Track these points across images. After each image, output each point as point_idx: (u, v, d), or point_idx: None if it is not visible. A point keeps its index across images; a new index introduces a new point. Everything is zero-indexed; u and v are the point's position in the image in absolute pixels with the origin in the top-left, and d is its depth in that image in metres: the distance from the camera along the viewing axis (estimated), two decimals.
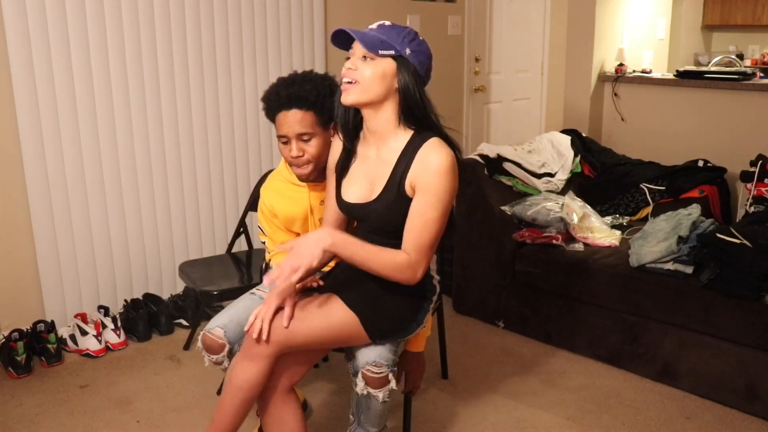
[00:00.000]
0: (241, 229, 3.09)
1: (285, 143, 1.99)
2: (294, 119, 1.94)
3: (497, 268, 3.16)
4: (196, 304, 3.24)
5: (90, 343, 2.95)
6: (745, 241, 2.48)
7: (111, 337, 3.01)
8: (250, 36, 3.47)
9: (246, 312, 2.05)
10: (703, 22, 6.33)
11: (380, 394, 1.86)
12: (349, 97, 1.75)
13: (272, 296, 1.81)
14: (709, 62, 4.92)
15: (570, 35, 4.42)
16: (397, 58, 1.73)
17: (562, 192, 3.41)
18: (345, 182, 1.90)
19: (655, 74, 4.44)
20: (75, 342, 2.97)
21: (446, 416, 2.52)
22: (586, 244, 3.01)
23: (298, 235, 2.20)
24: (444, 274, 2.31)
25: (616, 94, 4.33)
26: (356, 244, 1.76)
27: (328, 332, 1.81)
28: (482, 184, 3.19)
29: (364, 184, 1.85)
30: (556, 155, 3.56)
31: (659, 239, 2.74)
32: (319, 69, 3.78)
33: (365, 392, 1.87)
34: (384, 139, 1.82)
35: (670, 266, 2.66)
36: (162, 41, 3.16)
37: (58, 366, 2.88)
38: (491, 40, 4.92)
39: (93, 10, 2.92)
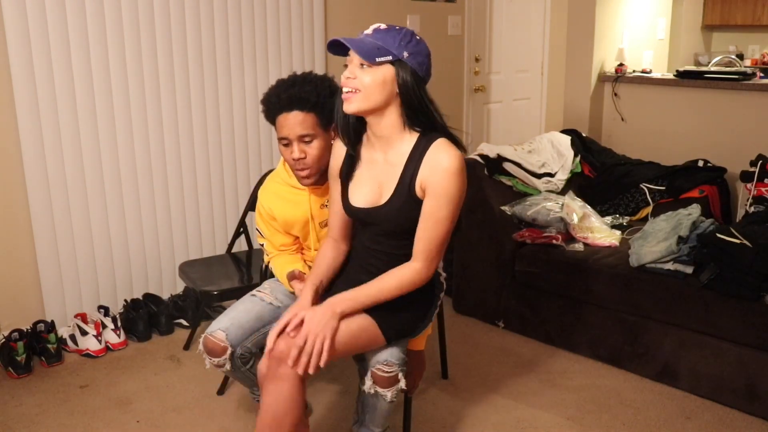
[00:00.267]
0: (241, 229, 3.09)
1: (286, 145, 1.98)
2: (295, 121, 1.93)
3: (497, 268, 3.16)
4: (196, 304, 3.24)
5: (90, 343, 2.95)
6: (745, 241, 2.48)
7: (111, 337, 3.01)
8: (250, 36, 3.47)
9: (247, 315, 2.04)
10: (703, 22, 6.33)
11: (388, 394, 1.87)
12: (351, 106, 1.74)
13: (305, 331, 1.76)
14: (709, 62, 4.92)
15: (570, 35, 4.42)
16: (396, 62, 1.73)
17: (562, 192, 3.41)
18: (351, 187, 1.89)
19: (655, 74, 4.44)
20: (75, 342, 2.97)
21: (446, 416, 2.52)
22: (586, 244, 3.01)
23: (297, 238, 2.20)
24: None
25: (616, 94, 4.33)
26: (360, 292, 1.80)
27: (350, 340, 1.80)
28: (482, 184, 3.19)
29: (372, 188, 1.85)
30: (556, 155, 3.56)
31: (659, 239, 2.74)
32: (319, 69, 3.79)
33: (373, 391, 1.87)
34: (390, 143, 1.82)
35: (670, 266, 2.66)
36: (162, 41, 3.16)
37: (58, 366, 2.88)
38: (491, 40, 4.92)
39: (93, 10, 2.92)
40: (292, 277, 2.07)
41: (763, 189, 3.10)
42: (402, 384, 1.87)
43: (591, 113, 4.38)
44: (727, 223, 3.24)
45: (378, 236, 1.87)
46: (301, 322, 1.75)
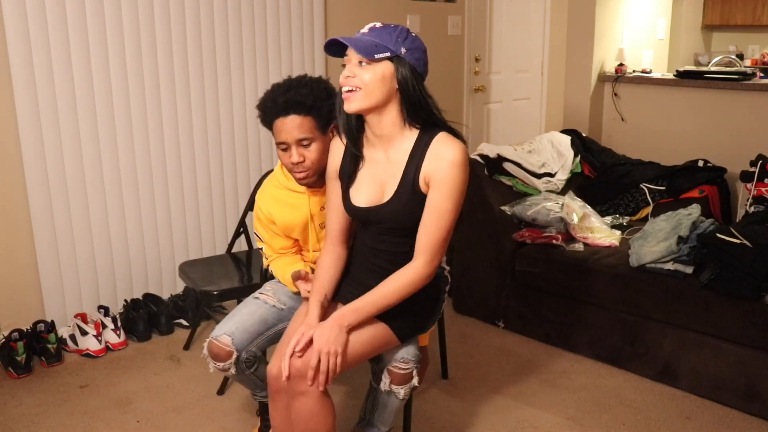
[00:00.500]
0: (241, 229, 3.09)
1: (285, 150, 1.96)
2: (292, 125, 1.92)
3: (497, 268, 3.16)
4: (196, 304, 3.24)
5: (90, 343, 2.95)
6: (745, 241, 2.48)
7: (111, 337, 3.01)
8: (250, 36, 3.47)
9: (251, 318, 2.04)
10: (703, 22, 6.33)
11: (402, 391, 1.89)
12: (352, 104, 1.74)
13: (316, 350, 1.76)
14: (709, 62, 4.92)
15: (570, 35, 4.42)
16: (394, 58, 1.73)
17: (562, 192, 3.41)
18: (353, 187, 1.89)
19: (655, 74, 4.44)
20: (75, 342, 2.97)
21: (446, 416, 2.52)
22: (586, 244, 3.01)
23: (296, 241, 2.19)
24: None
25: (616, 94, 4.33)
26: (364, 302, 1.80)
27: (364, 347, 1.81)
28: (482, 184, 3.19)
29: (374, 187, 1.85)
30: (556, 155, 3.56)
31: (659, 239, 2.74)
32: (319, 69, 3.79)
33: (388, 389, 1.89)
34: (391, 141, 1.82)
35: (670, 266, 2.66)
36: (162, 41, 3.16)
37: (58, 366, 2.88)
38: (491, 40, 4.92)
39: (93, 10, 2.92)
40: (297, 277, 2.06)
41: (763, 189, 3.10)
42: (416, 381, 1.90)
43: (591, 113, 4.38)
44: (727, 223, 3.24)
45: (381, 235, 1.87)
46: (310, 342, 1.76)
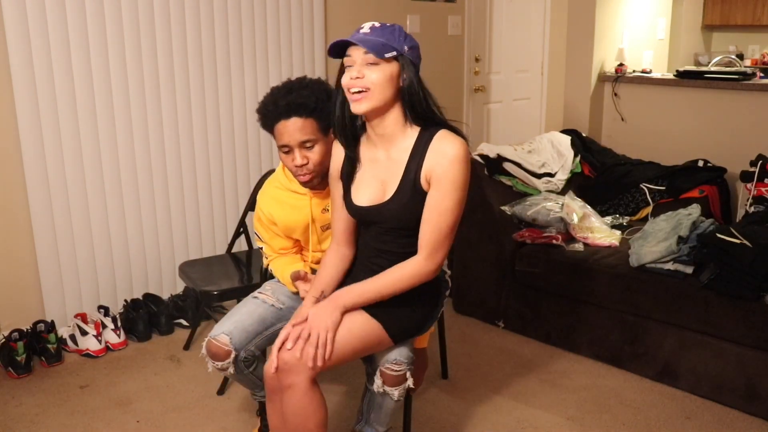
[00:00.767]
0: (241, 229, 3.09)
1: (287, 153, 1.96)
2: (295, 127, 1.91)
3: (497, 268, 3.16)
4: (196, 304, 3.24)
5: (90, 343, 2.95)
6: (745, 241, 2.48)
7: (111, 337, 3.01)
8: (250, 36, 3.47)
9: (250, 317, 2.04)
10: (703, 22, 6.33)
11: (396, 392, 1.88)
12: (362, 105, 1.73)
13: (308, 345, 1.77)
14: (709, 62, 4.92)
15: (570, 35, 4.42)
16: (399, 57, 1.74)
17: (562, 192, 3.41)
18: (354, 187, 1.89)
19: (655, 74, 4.44)
20: (75, 342, 2.97)
21: (446, 416, 2.52)
22: (586, 244, 3.01)
23: (297, 242, 2.19)
24: None
25: (616, 94, 4.33)
26: (364, 287, 1.81)
27: (355, 344, 1.80)
28: (482, 184, 3.19)
29: (375, 186, 1.85)
30: (556, 155, 3.56)
31: (659, 239, 2.74)
32: (320, 69, 3.79)
33: (381, 390, 1.88)
34: (393, 140, 1.82)
35: (670, 266, 2.66)
36: (162, 41, 3.16)
37: (58, 366, 2.88)
38: (491, 40, 4.92)
39: (93, 10, 2.92)
40: (297, 277, 2.06)
41: (763, 189, 3.10)
42: (410, 382, 1.88)
43: (591, 113, 4.38)
44: (727, 223, 3.24)
45: (383, 235, 1.87)
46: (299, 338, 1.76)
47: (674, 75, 4.18)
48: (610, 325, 2.83)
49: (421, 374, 2.16)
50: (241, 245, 3.19)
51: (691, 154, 3.69)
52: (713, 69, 4.10)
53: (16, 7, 2.73)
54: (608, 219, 3.29)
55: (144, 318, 3.10)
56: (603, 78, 4.39)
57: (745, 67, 5.14)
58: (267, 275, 2.32)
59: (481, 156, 3.30)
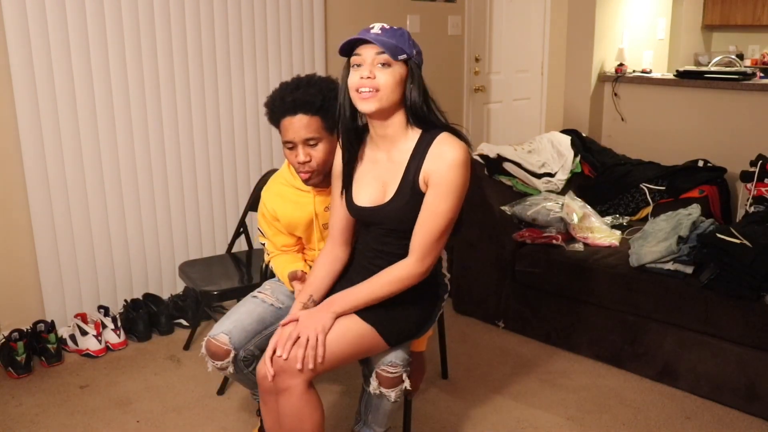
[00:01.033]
0: (241, 229, 3.09)
1: (291, 149, 1.96)
2: (300, 124, 1.92)
3: (497, 268, 3.16)
4: (196, 304, 3.24)
5: (90, 343, 2.95)
6: (745, 241, 2.48)
7: (111, 337, 3.01)
8: (250, 36, 3.47)
9: (249, 317, 2.04)
10: (703, 22, 6.33)
11: (392, 394, 1.87)
12: (370, 105, 1.72)
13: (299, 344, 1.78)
14: (709, 62, 4.92)
15: (570, 35, 4.42)
16: (409, 61, 1.74)
17: (562, 192, 3.41)
18: (355, 187, 1.88)
19: (655, 74, 4.44)
20: (75, 342, 2.97)
21: (446, 416, 2.52)
22: (586, 244, 3.01)
23: (299, 239, 2.19)
24: None
25: (616, 94, 4.33)
26: (355, 291, 1.81)
27: (349, 348, 1.80)
28: (482, 184, 3.19)
29: (376, 187, 1.85)
30: (556, 155, 3.56)
31: (659, 239, 2.74)
32: (320, 69, 3.79)
33: (378, 392, 1.88)
34: (395, 141, 1.81)
35: (670, 266, 2.66)
36: (162, 41, 3.16)
37: (58, 366, 2.88)
38: (491, 40, 4.92)
39: (93, 10, 2.92)
40: (294, 277, 2.07)
41: (763, 189, 3.10)
42: (406, 384, 1.88)
43: (591, 113, 4.38)
44: (727, 223, 3.24)
45: (383, 236, 1.87)
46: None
47: (674, 75, 4.18)
48: (610, 325, 2.83)
49: (418, 378, 2.16)
50: (241, 245, 3.19)
51: (691, 154, 3.69)
52: (713, 69, 4.10)
53: (16, 7, 2.73)
54: (608, 219, 3.29)
55: (144, 318, 3.10)
56: (603, 78, 4.39)
57: (745, 67, 5.14)
58: (267, 275, 2.33)
59: (481, 156, 3.30)
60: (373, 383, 1.88)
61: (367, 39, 1.70)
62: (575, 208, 3.07)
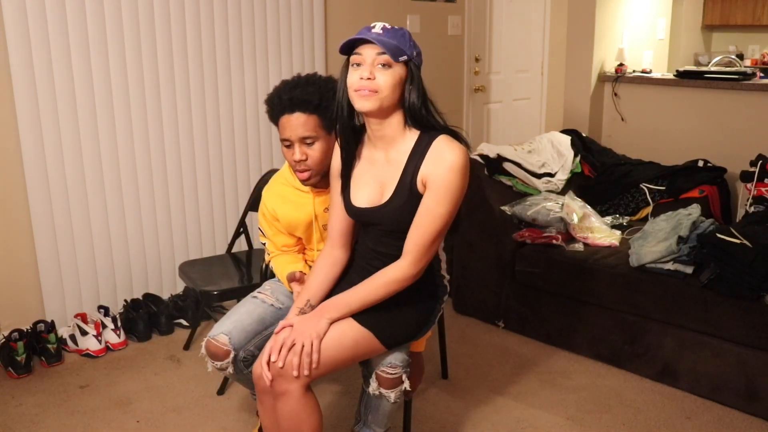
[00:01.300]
0: (241, 229, 3.09)
1: (288, 147, 1.97)
2: (297, 122, 1.92)
3: (497, 268, 3.16)
4: (196, 304, 3.24)
5: (90, 343, 2.95)
6: (745, 241, 2.48)
7: (111, 337, 3.01)
8: (250, 36, 3.47)
9: (249, 317, 2.04)
10: (703, 22, 6.33)
11: (392, 395, 1.87)
12: (368, 103, 1.70)
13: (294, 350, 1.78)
14: (709, 62, 4.92)
15: (570, 35, 4.42)
16: (409, 62, 1.73)
17: (562, 192, 3.41)
18: (353, 188, 1.88)
19: (655, 74, 4.44)
20: (75, 342, 2.97)
21: (446, 416, 2.52)
22: (586, 244, 3.01)
23: (299, 239, 2.19)
24: None
25: (616, 94, 4.33)
26: (348, 296, 1.80)
27: (346, 352, 1.80)
28: (482, 184, 3.19)
29: (374, 187, 1.84)
30: (556, 155, 3.56)
31: (659, 239, 2.74)
32: (319, 69, 3.79)
33: (377, 393, 1.88)
34: (393, 142, 1.81)
35: (670, 266, 2.66)
36: (162, 41, 3.16)
37: (58, 366, 2.88)
38: (491, 40, 4.92)
39: (93, 11, 2.92)
40: (292, 278, 2.07)
41: (763, 189, 3.10)
42: (406, 384, 1.88)
43: (591, 113, 4.38)
44: (727, 223, 3.24)
45: (381, 237, 1.86)
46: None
47: (674, 75, 4.18)
48: (610, 325, 2.83)
49: (417, 378, 2.16)
50: (241, 245, 3.19)
51: (691, 154, 3.69)
52: (713, 69, 4.10)
53: (16, 7, 2.72)
54: (608, 219, 3.29)
55: (144, 318, 3.10)
56: (603, 78, 4.39)
57: (745, 67, 5.13)
58: (267, 275, 2.33)
59: (481, 156, 3.30)
60: (373, 384, 1.88)
61: (369, 39, 1.69)
62: (575, 208, 3.08)
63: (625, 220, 3.32)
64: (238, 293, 2.67)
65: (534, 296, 3.07)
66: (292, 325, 1.79)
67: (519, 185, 3.33)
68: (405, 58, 1.71)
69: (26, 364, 2.79)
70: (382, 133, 1.80)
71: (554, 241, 2.99)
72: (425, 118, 1.78)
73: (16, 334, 2.82)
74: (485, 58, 4.90)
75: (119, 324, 3.05)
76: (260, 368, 1.78)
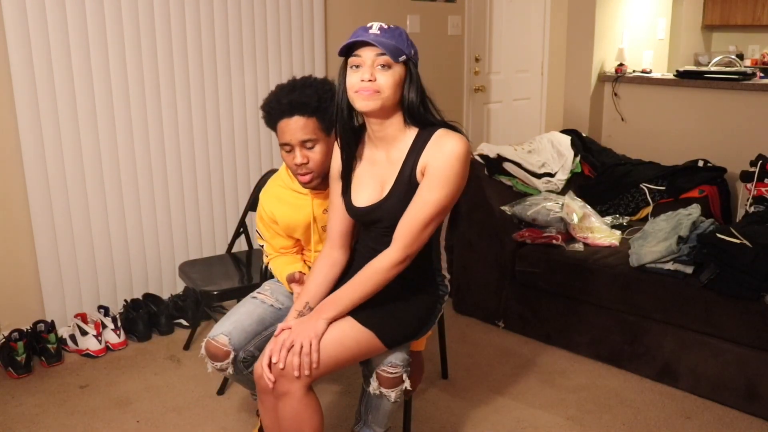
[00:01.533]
0: (241, 229, 3.09)
1: (288, 151, 1.96)
2: (296, 126, 1.91)
3: (497, 268, 3.16)
4: (196, 304, 3.24)
5: (90, 343, 2.95)
6: (745, 241, 2.48)
7: (111, 337, 3.01)
8: (250, 36, 3.47)
9: (249, 318, 2.04)
10: (703, 22, 6.33)
11: (392, 394, 1.87)
12: (369, 103, 1.70)
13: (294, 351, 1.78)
14: (709, 62, 4.92)
15: (570, 35, 4.42)
16: (407, 62, 1.73)
17: (562, 192, 3.41)
18: (354, 188, 1.88)
19: (655, 74, 4.44)
20: (75, 342, 2.97)
21: (446, 416, 2.52)
22: (586, 244, 3.01)
23: (298, 241, 2.19)
24: None
25: (616, 94, 4.33)
26: (343, 293, 1.80)
27: (347, 352, 1.80)
28: (482, 184, 3.19)
29: (374, 187, 1.84)
30: (556, 155, 3.56)
31: (659, 239, 2.74)
32: (319, 69, 3.79)
33: (378, 392, 1.88)
34: (394, 142, 1.81)
35: (670, 266, 2.66)
36: (162, 41, 3.16)
37: (58, 366, 2.88)
38: (491, 40, 4.92)
39: (93, 10, 2.92)
40: (292, 279, 2.07)
41: (763, 189, 3.10)
42: (407, 384, 1.88)
43: (591, 113, 4.38)
44: (727, 223, 3.24)
45: (382, 236, 1.86)
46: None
47: (674, 75, 4.18)
48: (610, 325, 2.83)
49: (417, 378, 2.16)
50: (241, 245, 3.19)
51: (691, 154, 3.69)
52: (713, 69, 4.10)
53: (16, 7, 2.73)
54: (608, 219, 3.29)
55: (144, 318, 3.10)
56: (603, 78, 4.39)
57: (745, 67, 5.14)
58: (267, 275, 2.32)
59: (481, 156, 3.30)
60: (373, 383, 1.88)
61: (368, 41, 1.69)
62: (575, 208, 3.07)
63: (625, 220, 3.32)
64: (238, 293, 2.67)
65: (534, 296, 3.07)
66: (290, 328, 1.79)
67: (519, 185, 3.33)
68: (404, 57, 1.72)
69: (26, 364, 2.79)
70: (383, 134, 1.80)
71: (554, 241, 2.99)
72: (424, 116, 1.78)
73: (16, 334, 2.82)
74: (485, 58, 4.90)
75: (119, 324, 3.05)
76: (261, 369, 1.79)
